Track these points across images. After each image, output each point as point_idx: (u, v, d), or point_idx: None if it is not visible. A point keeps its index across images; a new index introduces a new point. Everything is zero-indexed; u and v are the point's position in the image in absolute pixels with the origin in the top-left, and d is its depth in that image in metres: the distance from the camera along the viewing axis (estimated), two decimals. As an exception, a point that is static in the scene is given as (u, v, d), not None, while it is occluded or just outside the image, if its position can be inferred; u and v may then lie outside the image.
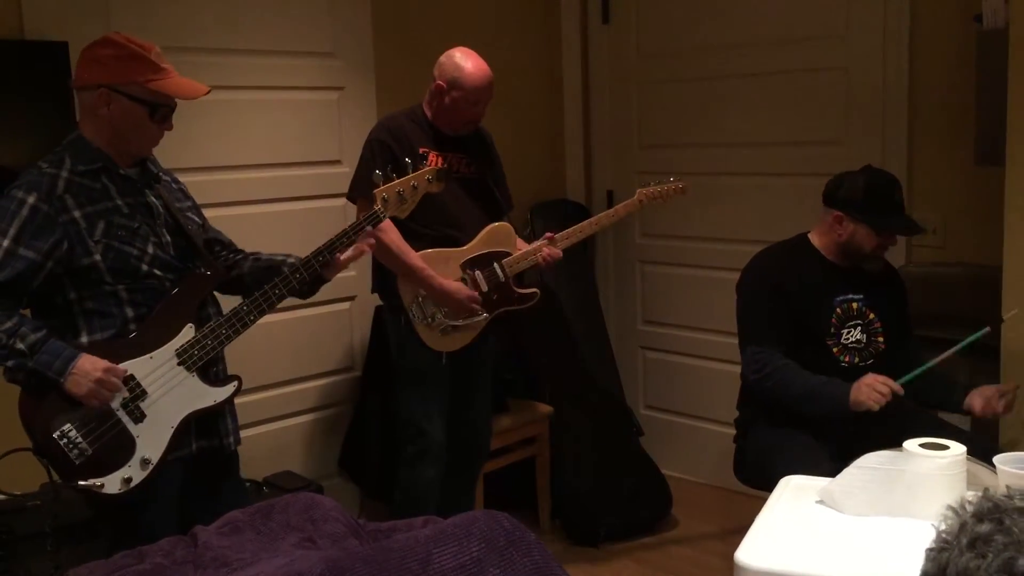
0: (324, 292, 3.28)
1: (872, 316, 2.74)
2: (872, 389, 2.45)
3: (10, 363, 2.00)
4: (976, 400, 2.59)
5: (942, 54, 3.26)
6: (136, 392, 2.09)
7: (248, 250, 2.43)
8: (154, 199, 2.19)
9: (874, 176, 2.71)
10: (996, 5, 2.81)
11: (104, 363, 2.04)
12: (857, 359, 2.71)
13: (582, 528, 3.60)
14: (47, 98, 2.76)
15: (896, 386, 2.44)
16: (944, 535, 0.92)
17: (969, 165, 3.05)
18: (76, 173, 2.07)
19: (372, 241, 2.36)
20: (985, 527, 0.89)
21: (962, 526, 0.90)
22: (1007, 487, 0.96)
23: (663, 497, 3.74)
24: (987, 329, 2.51)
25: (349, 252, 2.30)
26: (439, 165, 2.91)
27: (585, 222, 3.13)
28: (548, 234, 3.05)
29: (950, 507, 0.93)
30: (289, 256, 2.34)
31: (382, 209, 2.30)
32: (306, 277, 2.25)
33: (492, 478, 3.50)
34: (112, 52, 2.07)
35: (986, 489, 0.95)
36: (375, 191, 2.30)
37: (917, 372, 2.50)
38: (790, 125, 3.68)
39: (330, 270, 2.30)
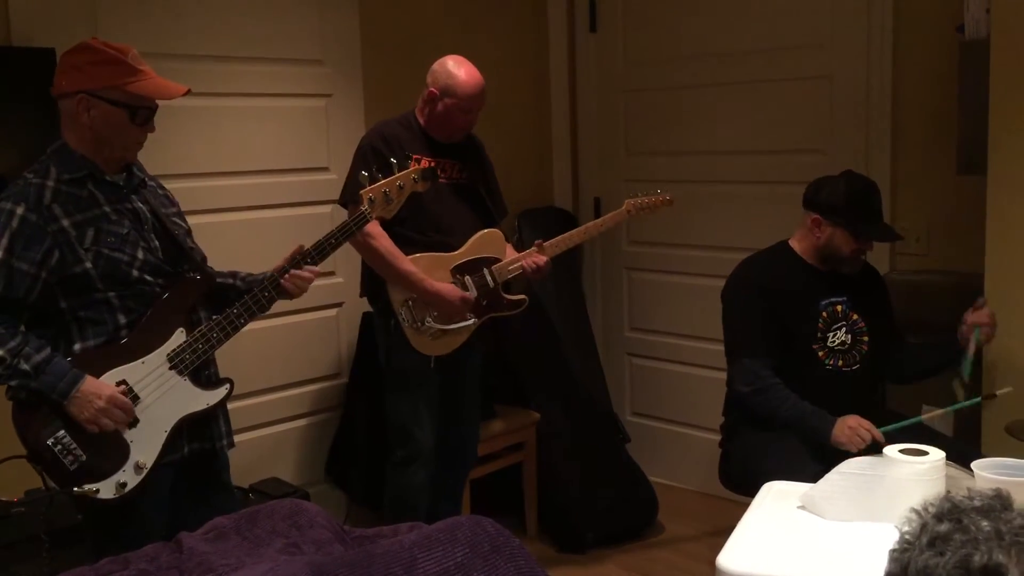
0: (311, 299, 3.29)
1: (856, 317, 2.77)
2: (854, 432, 2.48)
3: (13, 383, 2.00)
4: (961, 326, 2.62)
5: (925, 64, 3.29)
6: (129, 397, 2.09)
7: (225, 268, 2.43)
8: (140, 204, 2.19)
9: (854, 181, 2.73)
10: (978, 16, 2.84)
11: (108, 390, 2.05)
12: (841, 362, 2.73)
13: (568, 534, 3.61)
14: (34, 104, 2.75)
15: (877, 434, 2.45)
16: (906, 536, 0.94)
17: (951, 174, 3.08)
18: (62, 182, 2.06)
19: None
20: (944, 527, 0.91)
21: (923, 527, 0.93)
22: (967, 488, 0.98)
23: (649, 503, 3.75)
24: (978, 399, 2.56)
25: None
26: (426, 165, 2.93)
27: (573, 231, 3.14)
28: (538, 241, 3.06)
29: (913, 509, 0.96)
30: (257, 276, 2.35)
31: (368, 210, 2.31)
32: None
33: (479, 484, 3.50)
34: (88, 58, 2.08)
35: (948, 491, 0.97)
36: (361, 192, 2.32)
37: (903, 424, 2.51)
38: (775, 133, 3.71)
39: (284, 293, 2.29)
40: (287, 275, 2.27)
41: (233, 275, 2.38)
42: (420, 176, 2.40)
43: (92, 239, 2.06)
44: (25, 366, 1.98)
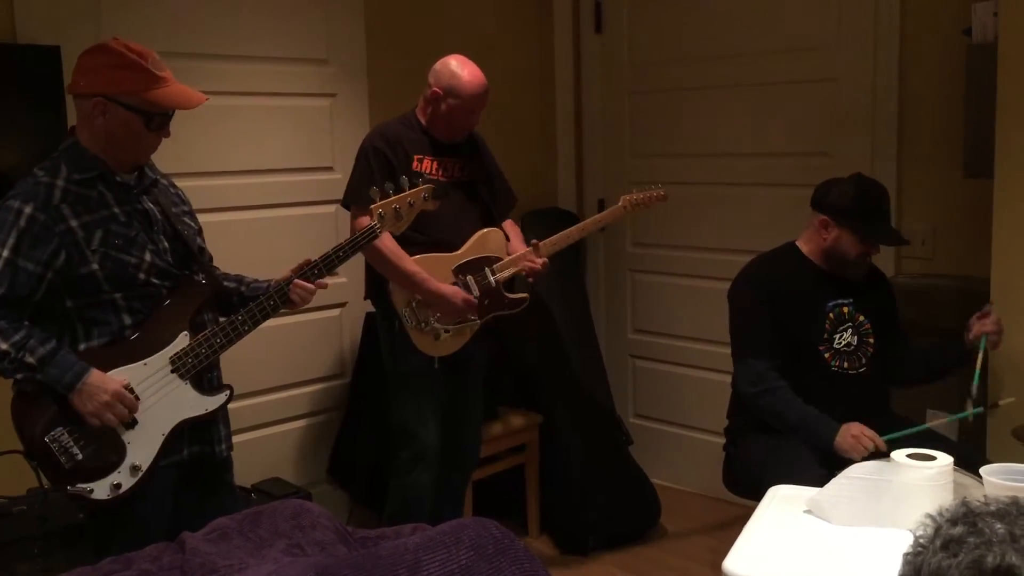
0: (314, 299, 3.29)
1: (862, 319, 2.76)
2: (857, 441, 2.46)
3: (19, 376, 1.99)
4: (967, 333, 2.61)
5: (932, 67, 3.28)
6: None
7: (229, 268, 2.43)
8: (151, 205, 2.18)
9: (864, 184, 2.73)
10: (986, 19, 2.83)
11: (114, 385, 2.04)
12: (847, 364, 2.72)
13: (571, 536, 3.60)
14: (39, 102, 2.75)
15: (880, 442, 2.43)
16: (920, 540, 0.95)
17: (958, 177, 3.07)
18: (72, 182, 2.05)
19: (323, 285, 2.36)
20: (958, 530, 0.92)
21: (937, 530, 0.94)
22: (985, 495, 0.99)
23: (652, 506, 3.75)
24: (981, 409, 2.53)
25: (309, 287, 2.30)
26: (436, 175, 2.92)
27: (571, 228, 3.14)
28: (533, 242, 3.05)
29: (928, 514, 0.96)
30: (261, 282, 2.36)
31: (378, 225, 2.30)
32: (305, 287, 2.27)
33: (481, 485, 3.50)
34: (107, 60, 2.05)
35: (964, 497, 0.97)
36: (371, 207, 2.31)
37: (906, 433, 2.49)
38: (780, 135, 3.70)
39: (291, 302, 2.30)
40: (292, 285, 2.26)
41: (239, 280, 2.38)
42: (431, 195, 2.40)
43: (100, 240, 2.05)
44: (30, 359, 1.97)
